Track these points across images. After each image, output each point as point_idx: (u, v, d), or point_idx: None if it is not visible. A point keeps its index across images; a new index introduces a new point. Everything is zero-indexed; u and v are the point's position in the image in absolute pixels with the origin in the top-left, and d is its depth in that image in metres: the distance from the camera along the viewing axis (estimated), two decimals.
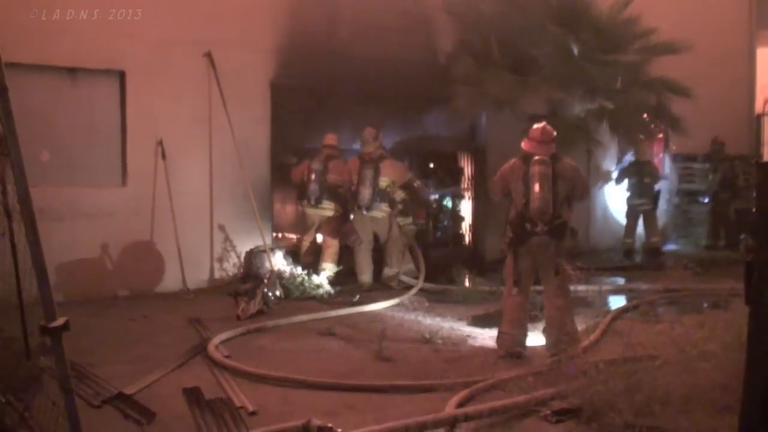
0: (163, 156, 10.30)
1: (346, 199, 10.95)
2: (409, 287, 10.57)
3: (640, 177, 13.68)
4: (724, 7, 16.58)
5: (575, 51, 11.45)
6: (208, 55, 10.53)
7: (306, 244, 11.28)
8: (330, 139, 11.12)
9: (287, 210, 12.62)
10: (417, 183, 11.28)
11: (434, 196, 12.58)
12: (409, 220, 11.34)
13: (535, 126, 7.39)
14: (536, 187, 7.04)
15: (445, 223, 13.04)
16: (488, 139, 13.00)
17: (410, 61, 12.03)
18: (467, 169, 13.55)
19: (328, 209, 11.01)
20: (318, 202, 10.96)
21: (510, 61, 11.60)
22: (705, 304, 9.59)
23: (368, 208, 10.65)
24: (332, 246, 10.99)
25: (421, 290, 10.45)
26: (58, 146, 9.75)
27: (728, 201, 14.89)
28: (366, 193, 10.61)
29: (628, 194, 13.89)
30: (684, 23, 13.64)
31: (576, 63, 11.42)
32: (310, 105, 11.55)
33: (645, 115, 12.84)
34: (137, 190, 10.26)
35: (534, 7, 11.68)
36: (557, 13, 11.58)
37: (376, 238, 10.95)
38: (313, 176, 10.88)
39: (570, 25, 11.44)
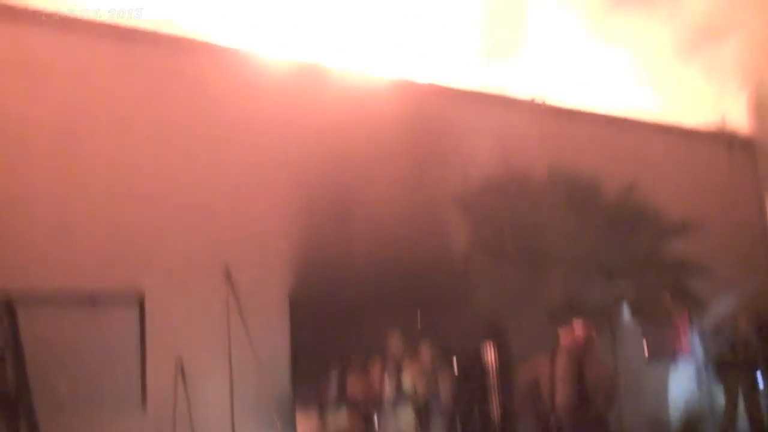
0: (183, 376, 10.19)
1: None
2: None
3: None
4: (732, 179, 16.87)
5: (588, 238, 11.53)
6: (226, 273, 10.64)
7: None
8: None
9: (312, 425, 12.35)
10: None
11: None
12: None
13: (583, 321, 7.37)
14: (560, 384, 6.94)
15: None
16: (509, 332, 12.87)
17: (424, 261, 12.15)
18: (491, 364, 13.36)
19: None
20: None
21: (524, 253, 11.69)
22: None
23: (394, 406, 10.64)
24: None
25: None
26: (77, 374, 9.64)
27: None
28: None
29: None
30: (693, 199, 13.86)
31: (589, 250, 11.47)
32: (330, 315, 11.60)
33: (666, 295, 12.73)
34: (157, 413, 10.05)
35: (544, 199, 11.91)
36: (567, 203, 11.79)
37: None
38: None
39: (581, 214, 11.61)
